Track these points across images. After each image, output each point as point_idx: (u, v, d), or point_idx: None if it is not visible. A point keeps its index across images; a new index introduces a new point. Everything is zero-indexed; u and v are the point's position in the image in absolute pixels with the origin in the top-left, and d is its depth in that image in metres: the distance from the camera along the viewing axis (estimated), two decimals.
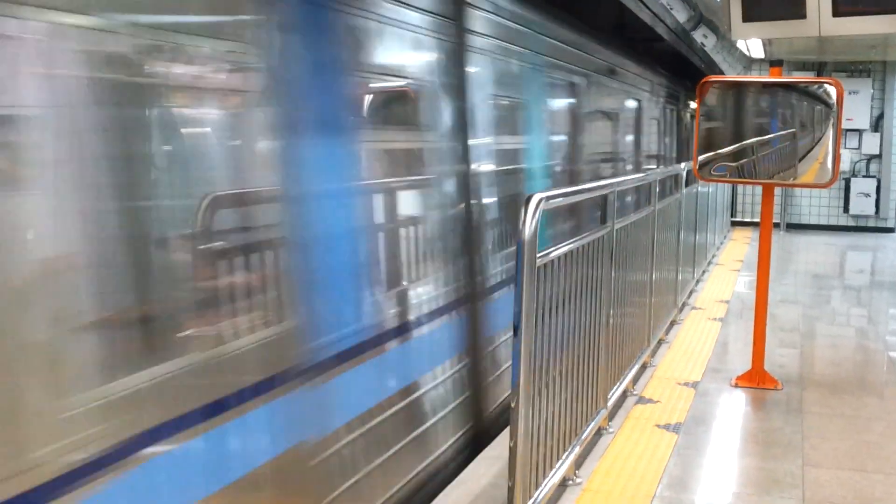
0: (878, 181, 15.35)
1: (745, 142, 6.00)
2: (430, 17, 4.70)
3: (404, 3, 4.42)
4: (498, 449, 4.65)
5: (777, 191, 13.93)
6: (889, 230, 15.41)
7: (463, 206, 5.13)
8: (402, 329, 4.34)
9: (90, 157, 2.55)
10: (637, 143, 10.97)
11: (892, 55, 14.28)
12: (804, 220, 15.67)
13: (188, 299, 2.97)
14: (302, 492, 3.46)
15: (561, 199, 3.85)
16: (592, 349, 4.33)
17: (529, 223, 3.18)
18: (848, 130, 15.14)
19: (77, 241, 2.50)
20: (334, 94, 3.83)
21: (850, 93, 14.71)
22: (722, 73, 13.84)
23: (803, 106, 6.13)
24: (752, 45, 11.89)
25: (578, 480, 4.13)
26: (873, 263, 12.84)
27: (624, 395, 5.33)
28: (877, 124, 15.31)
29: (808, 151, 5.80)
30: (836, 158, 5.60)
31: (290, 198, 3.44)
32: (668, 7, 9.00)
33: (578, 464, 4.25)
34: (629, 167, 10.41)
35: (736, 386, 5.79)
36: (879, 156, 15.37)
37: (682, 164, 7.54)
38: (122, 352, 2.65)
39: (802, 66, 15.11)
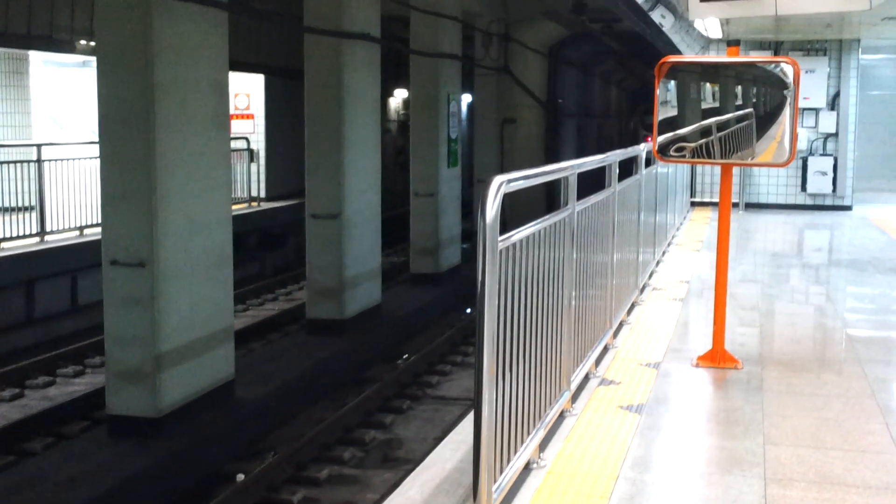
0: (835, 159, 15.49)
1: (703, 122, 6.02)
2: None
3: None
4: (463, 433, 4.65)
5: (735, 170, 14.10)
6: (846, 208, 15.59)
7: None
8: None
9: None
10: None
11: (848, 33, 14.41)
12: (762, 200, 15.79)
13: None
14: None
15: (522, 181, 3.83)
16: (555, 332, 4.33)
17: (491, 206, 3.16)
18: (805, 109, 15.25)
19: None
20: None
21: (806, 72, 14.81)
22: (680, 53, 13.89)
23: (761, 85, 6.16)
24: (709, 24, 11.93)
25: (542, 463, 4.14)
26: (831, 241, 12.98)
27: (587, 378, 5.34)
28: (833, 103, 15.44)
29: (766, 131, 5.84)
30: (794, 137, 5.64)
31: None
32: None
33: (542, 446, 4.25)
34: None
35: (697, 366, 5.83)
36: (836, 134, 15.51)
37: (642, 146, 7.56)
38: None
39: (760, 46, 15.19)
